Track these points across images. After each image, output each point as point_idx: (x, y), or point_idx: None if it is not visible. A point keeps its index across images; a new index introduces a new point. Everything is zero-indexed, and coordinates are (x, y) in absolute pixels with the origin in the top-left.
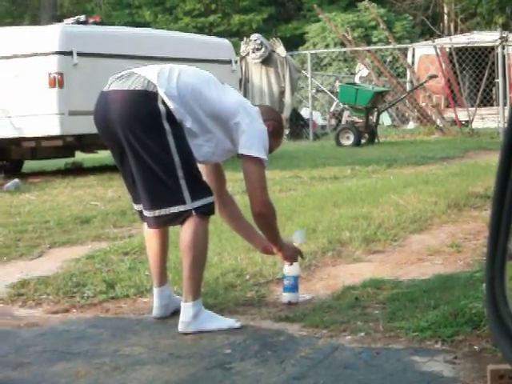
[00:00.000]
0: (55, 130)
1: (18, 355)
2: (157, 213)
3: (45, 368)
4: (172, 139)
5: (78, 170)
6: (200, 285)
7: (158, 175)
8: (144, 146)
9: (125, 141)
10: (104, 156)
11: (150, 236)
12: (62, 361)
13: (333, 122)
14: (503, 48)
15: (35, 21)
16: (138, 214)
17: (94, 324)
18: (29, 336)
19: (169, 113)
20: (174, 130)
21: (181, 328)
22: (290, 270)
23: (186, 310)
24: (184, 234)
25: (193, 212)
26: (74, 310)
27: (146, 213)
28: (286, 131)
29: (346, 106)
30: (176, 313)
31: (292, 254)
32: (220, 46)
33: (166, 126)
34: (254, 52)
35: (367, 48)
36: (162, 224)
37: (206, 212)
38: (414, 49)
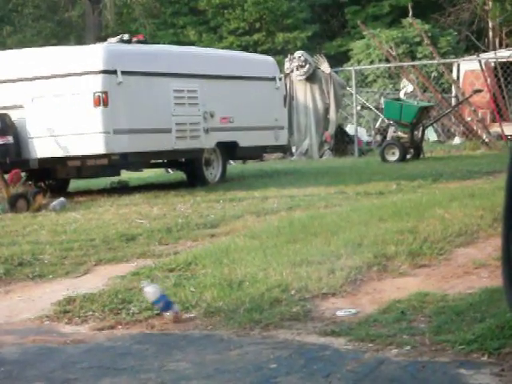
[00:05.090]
0: (100, 149)
1: (64, 372)
2: None
3: None
4: None
5: (124, 189)
6: None
7: None
8: None
9: None
10: (149, 174)
11: None
12: (108, 377)
13: (378, 138)
14: None
15: (81, 42)
16: None
17: (140, 340)
18: (75, 352)
19: None
20: None
21: None
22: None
23: None
24: None
25: None
26: (120, 327)
27: None
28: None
29: (392, 121)
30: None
31: None
32: (264, 63)
33: None
34: (298, 69)
35: (412, 63)
36: None
37: None
38: (458, 64)
